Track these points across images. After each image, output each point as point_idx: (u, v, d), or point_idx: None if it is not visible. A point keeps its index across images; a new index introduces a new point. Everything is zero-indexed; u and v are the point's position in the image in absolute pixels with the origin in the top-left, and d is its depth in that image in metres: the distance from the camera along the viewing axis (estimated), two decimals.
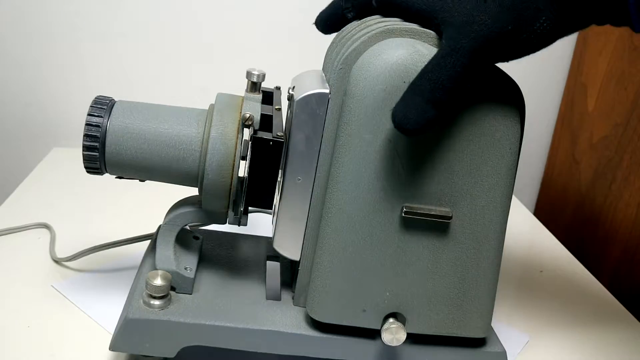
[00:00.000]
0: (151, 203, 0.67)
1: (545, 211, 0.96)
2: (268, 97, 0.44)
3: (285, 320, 0.40)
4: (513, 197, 0.83)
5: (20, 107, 0.84)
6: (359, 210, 0.37)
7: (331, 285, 0.38)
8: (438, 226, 0.38)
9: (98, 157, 0.39)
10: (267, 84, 0.46)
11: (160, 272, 0.40)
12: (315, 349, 0.40)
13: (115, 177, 0.41)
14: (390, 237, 0.38)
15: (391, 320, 0.39)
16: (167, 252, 0.42)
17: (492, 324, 0.43)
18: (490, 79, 0.36)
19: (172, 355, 0.39)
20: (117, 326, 0.40)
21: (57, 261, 0.55)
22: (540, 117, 0.95)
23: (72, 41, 0.81)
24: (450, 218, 0.37)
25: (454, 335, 0.40)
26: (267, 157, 0.38)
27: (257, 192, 0.39)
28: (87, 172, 0.40)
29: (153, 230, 0.65)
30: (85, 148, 0.38)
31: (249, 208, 0.41)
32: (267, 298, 0.42)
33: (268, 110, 0.42)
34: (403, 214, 0.37)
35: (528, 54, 0.35)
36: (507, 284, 0.60)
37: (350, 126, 0.36)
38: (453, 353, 0.41)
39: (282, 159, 0.39)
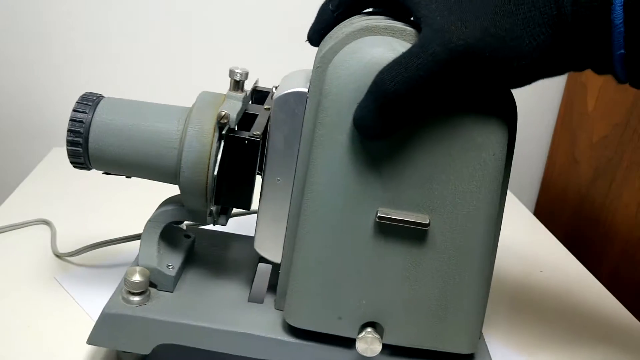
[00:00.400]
0: (150, 202, 0.67)
1: (545, 211, 0.96)
2: (263, 97, 0.44)
3: (261, 323, 0.40)
4: (513, 197, 0.84)
5: (20, 108, 0.84)
6: (334, 214, 0.36)
7: (307, 290, 0.37)
8: (415, 233, 0.36)
9: (82, 152, 0.39)
10: (267, 85, 0.46)
11: (139, 268, 0.40)
12: (289, 355, 0.39)
13: (103, 173, 0.41)
14: (365, 242, 0.36)
15: (368, 329, 0.37)
16: (149, 249, 0.42)
17: (489, 340, 0.43)
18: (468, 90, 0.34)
19: (147, 353, 0.39)
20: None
21: (58, 256, 0.55)
22: (540, 117, 0.95)
23: (72, 41, 0.81)
24: (427, 225, 0.35)
25: (436, 349, 0.38)
26: (243, 156, 0.38)
27: (234, 191, 0.39)
28: (74, 167, 0.41)
29: None
30: (69, 143, 0.39)
31: (234, 209, 0.41)
32: (249, 300, 0.42)
33: (257, 109, 0.41)
34: (377, 219, 0.35)
35: (498, 87, 0.33)
36: (507, 284, 0.60)
37: (324, 126, 0.35)
38: None
39: (263, 159, 0.39)
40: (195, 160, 0.38)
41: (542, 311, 0.56)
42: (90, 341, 0.39)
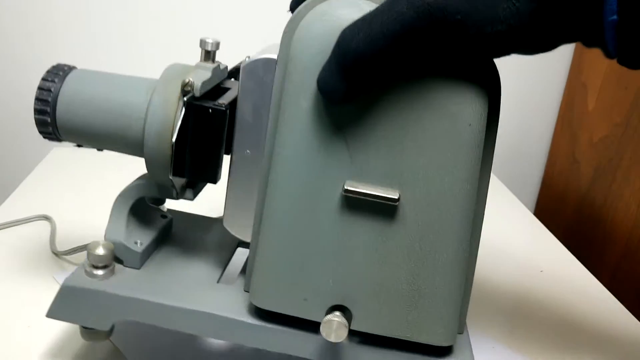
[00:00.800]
0: None
1: (545, 211, 0.96)
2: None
3: (226, 304, 0.37)
4: (513, 197, 0.84)
5: (21, 107, 0.84)
6: (299, 187, 0.33)
7: (272, 269, 0.35)
8: (385, 209, 0.33)
9: (49, 122, 0.38)
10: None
11: (103, 242, 0.39)
12: (252, 338, 0.36)
13: (75, 146, 0.41)
14: (332, 218, 0.33)
15: (336, 313, 0.34)
16: (117, 223, 0.40)
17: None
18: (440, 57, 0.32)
19: (106, 329, 0.38)
20: None
21: (56, 254, 0.55)
22: (541, 117, 0.95)
23: (72, 41, 0.81)
24: (397, 201, 0.32)
25: (408, 339, 0.35)
26: (207, 126, 0.36)
27: (198, 163, 0.37)
28: (44, 137, 0.40)
29: None
30: (36, 112, 0.38)
31: (206, 185, 0.39)
32: (220, 281, 0.40)
33: (233, 84, 0.40)
34: (343, 193, 0.32)
35: (474, 54, 0.31)
36: (507, 284, 0.60)
37: (289, 93, 0.33)
38: None
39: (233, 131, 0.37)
40: (159, 130, 0.36)
41: (542, 311, 0.56)
42: (49, 314, 0.38)
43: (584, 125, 0.86)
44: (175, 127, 0.36)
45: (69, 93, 0.38)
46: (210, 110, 0.36)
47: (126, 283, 0.38)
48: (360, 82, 0.30)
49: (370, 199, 0.32)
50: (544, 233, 0.74)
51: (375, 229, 0.34)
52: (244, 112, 0.36)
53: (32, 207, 0.64)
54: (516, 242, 0.71)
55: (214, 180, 0.38)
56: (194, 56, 0.39)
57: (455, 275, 0.34)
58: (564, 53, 0.90)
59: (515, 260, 0.66)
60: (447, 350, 0.36)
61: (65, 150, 0.82)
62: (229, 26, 0.83)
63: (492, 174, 0.91)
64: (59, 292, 0.38)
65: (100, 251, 0.38)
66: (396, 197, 0.32)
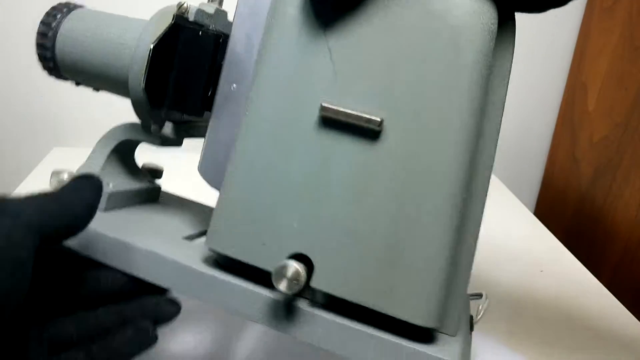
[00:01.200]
0: None
1: (545, 210, 0.96)
2: None
3: (182, 251, 0.33)
4: (513, 196, 0.84)
5: (21, 107, 0.84)
6: (276, 106, 0.29)
7: (233, 206, 0.30)
8: (367, 137, 0.28)
9: (49, 57, 0.38)
10: None
11: (69, 171, 0.37)
12: (201, 290, 0.31)
13: (75, 85, 0.41)
14: (307, 146, 0.29)
15: (293, 261, 0.29)
16: (93, 161, 0.39)
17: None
18: None
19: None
20: None
21: None
22: (541, 117, 0.95)
23: None
24: (379, 124, 0.28)
25: (378, 309, 0.29)
26: (195, 51, 0.34)
27: (180, 92, 0.34)
28: (49, 74, 0.40)
29: None
30: (38, 46, 0.38)
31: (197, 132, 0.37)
32: (184, 237, 0.36)
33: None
34: (321, 114, 0.28)
35: None
36: (507, 284, 0.60)
37: (276, 1, 0.30)
38: (374, 341, 0.29)
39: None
40: (144, 55, 0.34)
41: (542, 311, 0.56)
42: None
43: (584, 125, 0.86)
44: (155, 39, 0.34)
45: (68, 30, 0.38)
46: (200, 33, 0.34)
47: (107, 219, 0.36)
48: None
49: (351, 121, 0.28)
50: (544, 233, 0.74)
51: (354, 161, 0.29)
52: (235, 41, 0.33)
53: None
54: (516, 241, 0.71)
55: (198, 112, 0.34)
56: None
57: (443, 234, 0.28)
58: (565, 53, 0.90)
59: (515, 260, 0.66)
60: (426, 335, 0.30)
61: (65, 150, 0.82)
62: None
63: (492, 174, 0.91)
64: None
65: (64, 177, 0.36)
66: (378, 120, 0.28)
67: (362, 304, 0.29)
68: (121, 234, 0.33)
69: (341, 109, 0.28)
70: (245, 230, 0.30)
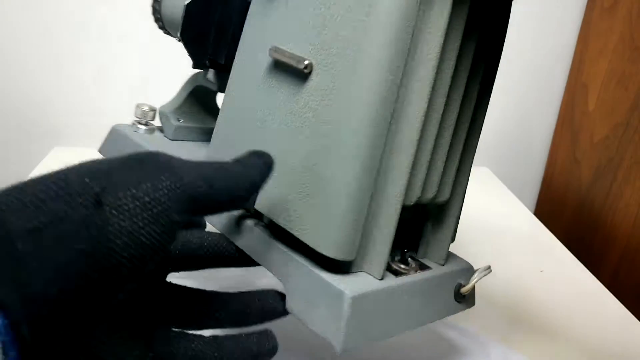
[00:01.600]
0: None
1: (545, 211, 0.96)
2: None
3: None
4: (513, 196, 0.84)
5: (21, 107, 0.84)
6: (249, 53, 0.36)
7: (219, 132, 0.38)
8: (299, 79, 0.32)
9: (159, 18, 0.47)
10: None
11: (151, 105, 0.47)
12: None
13: (177, 40, 0.46)
14: (262, 85, 0.34)
15: None
16: (174, 100, 0.47)
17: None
18: None
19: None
20: None
21: None
22: (541, 117, 0.94)
23: (73, 41, 0.81)
24: (307, 67, 0.31)
25: (295, 234, 0.32)
26: (226, 6, 0.39)
27: (215, 41, 0.39)
28: (163, 32, 0.48)
29: None
30: (153, 11, 0.47)
31: None
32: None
33: None
34: (270, 54, 0.33)
35: None
36: (507, 284, 0.60)
37: None
38: (293, 262, 0.32)
39: None
40: (182, 11, 0.42)
41: (542, 311, 0.56)
42: (100, 150, 0.46)
43: (585, 125, 0.86)
44: None
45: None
46: None
47: (152, 141, 0.45)
48: None
49: (287, 61, 0.32)
50: (544, 233, 0.74)
51: (289, 99, 0.33)
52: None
53: None
54: (516, 242, 0.71)
55: (228, 60, 0.40)
56: None
57: (353, 170, 0.30)
58: (565, 53, 0.90)
59: (515, 260, 0.66)
60: (343, 268, 0.32)
61: (65, 150, 0.82)
62: None
63: (491, 174, 0.90)
64: (109, 132, 0.46)
65: (145, 107, 0.46)
66: (306, 63, 0.31)
67: (285, 227, 0.32)
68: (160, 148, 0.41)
69: (281, 48, 0.33)
70: (222, 153, 0.36)
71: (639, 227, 0.73)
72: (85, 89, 0.83)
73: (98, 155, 0.87)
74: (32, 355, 0.20)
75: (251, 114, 0.35)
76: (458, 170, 0.37)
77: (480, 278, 0.38)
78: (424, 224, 0.38)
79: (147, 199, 0.23)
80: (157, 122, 0.47)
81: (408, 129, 0.31)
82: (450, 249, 0.40)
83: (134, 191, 0.23)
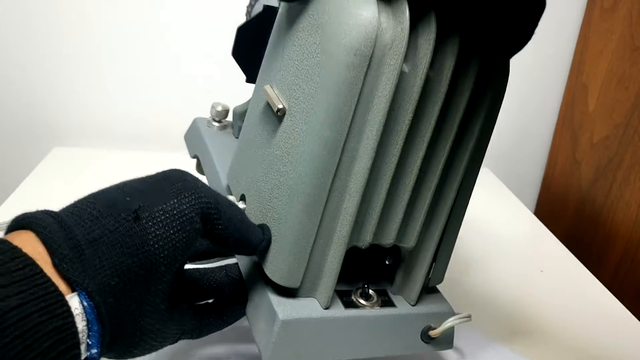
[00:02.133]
0: None
1: (546, 211, 0.96)
2: None
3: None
4: (514, 197, 0.84)
5: (21, 107, 0.84)
6: (257, 90, 0.40)
7: (235, 153, 0.43)
8: (277, 120, 0.36)
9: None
10: None
11: (223, 104, 0.53)
12: None
13: None
14: (259, 121, 0.38)
15: (238, 199, 0.40)
16: (245, 103, 0.49)
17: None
18: None
19: (191, 156, 0.52)
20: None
21: None
22: (541, 117, 0.95)
23: (73, 41, 0.81)
24: (277, 112, 0.35)
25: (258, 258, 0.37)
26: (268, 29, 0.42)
27: (259, 58, 0.42)
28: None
29: None
30: (246, 14, 0.50)
31: None
32: None
33: None
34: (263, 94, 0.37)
35: None
36: (508, 284, 0.60)
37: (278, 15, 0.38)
38: (260, 280, 0.37)
39: None
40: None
41: (542, 311, 0.56)
42: (184, 137, 0.54)
43: (585, 125, 0.86)
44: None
45: (255, 8, 0.49)
46: (271, 15, 0.41)
47: (220, 137, 0.50)
48: None
49: (271, 102, 0.36)
50: (544, 233, 0.74)
51: (270, 131, 0.37)
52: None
53: (34, 207, 0.64)
54: (516, 242, 0.71)
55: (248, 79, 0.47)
56: None
57: (298, 210, 0.34)
58: (565, 53, 0.90)
59: (515, 260, 0.66)
60: (293, 291, 0.37)
61: (65, 150, 0.82)
62: None
63: (492, 174, 0.90)
64: (192, 122, 0.54)
65: (219, 108, 0.52)
66: (280, 107, 0.35)
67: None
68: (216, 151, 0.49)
69: (270, 89, 0.36)
70: (234, 171, 0.42)
71: (639, 227, 0.73)
72: (86, 89, 0.83)
73: (101, 155, 0.86)
74: (105, 329, 0.27)
75: (252, 142, 0.39)
76: (429, 220, 0.39)
77: (455, 324, 0.40)
78: (399, 264, 0.41)
79: (174, 212, 0.30)
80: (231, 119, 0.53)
81: (353, 180, 0.34)
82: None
83: (164, 206, 0.30)
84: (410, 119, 0.34)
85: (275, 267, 0.36)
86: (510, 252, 0.68)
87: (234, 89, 0.58)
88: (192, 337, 0.37)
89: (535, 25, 0.34)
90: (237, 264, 0.41)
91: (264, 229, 0.36)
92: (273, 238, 0.36)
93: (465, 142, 0.37)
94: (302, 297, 0.37)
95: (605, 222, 0.80)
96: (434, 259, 0.40)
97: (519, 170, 0.98)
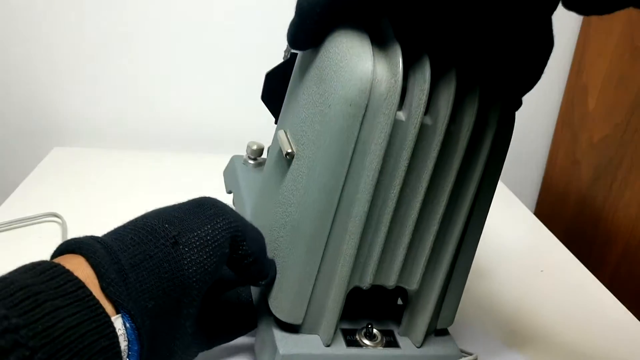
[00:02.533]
0: (155, 203, 0.67)
1: (545, 211, 0.96)
2: None
3: None
4: (513, 196, 0.84)
5: (21, 107, 0.84)
6: (277, 126, 0.42)
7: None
8: (287, 163, 0.38)
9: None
10: None
11: (258, 142, 0.56)
12: None
13: None
14: (275, 161, 0.41)
15: None
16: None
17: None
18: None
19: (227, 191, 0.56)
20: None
21: None
22: (541, 117, 0.95)
23: (73, 41, 0.81)
24: (288, 154, 0.37)
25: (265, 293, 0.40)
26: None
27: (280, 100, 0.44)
28: None
29: None
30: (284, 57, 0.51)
31: None
32: None
33: None
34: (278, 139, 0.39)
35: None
36: (507, 284, 0.60)
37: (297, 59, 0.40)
38: (269, 315, 0.39)
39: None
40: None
41: (542, 311, 0.56)
42: (223, 172, 0.58)
43: (585, 125, 0.86)
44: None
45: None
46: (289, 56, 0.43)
47: (253, 174, 0.54)
48: (312, 32, 0.34)
49: (283, 147, 0.37)
50: (544, 233, 0.74)
51: (282, 172, 0.39)
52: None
53: (33, 209, 0.64)
54: (516, 242, 0.71)
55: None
56: None
57: (302, 255, 0.36)
58: (565, 53, 0.90)
59: (515, 260, 0.66)
60: (296, 327, 0.39)
61: (65, 150, 0.82)
62: None
63: None
64: (230, 160, 0.58)
65: (254, 147, 0.55)
66: (289, 151, 0.37)
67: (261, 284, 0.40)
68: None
69: (283, 133, 0.38)
70: (253, 212, 0.46)
71: (639, 227, 0.73)
72: (86, 89, 0.83)
73: (101, 156, 0.86)
74: (144, 349, 0.29)
75: (268, 183, 0.42)
76: (433, 263, 0.39)
77: None
78: (406, 305, 0.42)
79: (208, 237, 0.32)
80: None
81: (352, 223, 0.36)
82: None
83: (199, 232, 0.32)
84: (407, 165, 0.35)
85: (278, 303, 0.38)
86: (510, 251, 0.68)
87: (264, 126, 0.59)
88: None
89: (545, 64, 0.35)
90: (249, 287, 0.42)
91: (271, 263, 0.38)
92: (278, 275, 0.38)
93: (467, 186, 0.37)
94: (305, 333, 0.39)
95: (605, 222, 0.80)
96: (442, 301, 0.41)
97: (519, 170, 0.98)
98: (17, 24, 0.79)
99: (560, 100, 0.93)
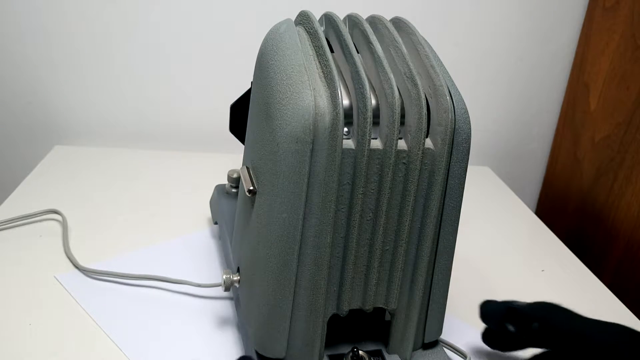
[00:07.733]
0: (155, 201, 0.67)
1: (547, 210, 0.96)
2: None
3: None
4: (515, 196, 0.84)
5: (21, 106, 0.84)
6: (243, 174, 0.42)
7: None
8: (252, 200, 0.38)
9: None
10: None
11: (237, 170, 0.57)
12: None
13: None
14: (242, 199, 0.42)
15: (234, 272, 0.44)
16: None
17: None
18: None
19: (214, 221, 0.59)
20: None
21: (69, 256, 0.55)
22: (543, 117, 0.94)
23: (73, 40, 0.81)
24: (250, 192, 0.38)
25: (247, 323, 0.41)
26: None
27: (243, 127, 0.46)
28: None
29: (159, 229, 0.65)
30: None
31: None
32: None
33: None
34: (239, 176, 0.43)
35: None
36: (509, 283, 0.60)
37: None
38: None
39: None
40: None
41: None
42: (210, 201, 0.61)
43: (586, 124, 0.86)
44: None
45: None
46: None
47: (231, 203, 0.56)
48: None
49: (242, 182, 0.39)
50: (545, 232, 0.74)
51: (249, 207, 0.39)
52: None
53: (33, 208, 0.64)
54: (517, 241, 0.71)
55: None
56: None
57: (270, 282, 0.37)
58: (566, 52, 0.90)
59: (516, 259, 0.66)
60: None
61: (65, 149, 0.82)
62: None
63: (493, 174, 0.89)
64: (214, 188, 0.61)
65: (234, 175, 0.58)
66: (250, 189, 0.38)
67: (245, 322, 0.42)
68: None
69: (245, 169, 0.39)
70: (232, 245, 0.47)
71: None
72: (87, 89, 0.83)
73: (102, 154, 0.86)
74: None
75: (240, 219, 0.43)
76: (408, 282, 0.40)
77: None
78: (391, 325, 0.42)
79: None
80: None
81: (319, 253, 0.36)
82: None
83: None
84: (362, 191, 0.35)
85: (259, 340, 0.39)
86: (511, 251, 0.68)
87: None
88: None
89: None
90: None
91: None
92: (255, 312, 0.38)
93: (430, 199, 0.37)
94: None
95: (606, 221, 0.80)
96: (426, 315, 0.41)
97: (520, 169, 0.98)
98: (19, 23, 0.79)
99: (562, 99, 0.93)
